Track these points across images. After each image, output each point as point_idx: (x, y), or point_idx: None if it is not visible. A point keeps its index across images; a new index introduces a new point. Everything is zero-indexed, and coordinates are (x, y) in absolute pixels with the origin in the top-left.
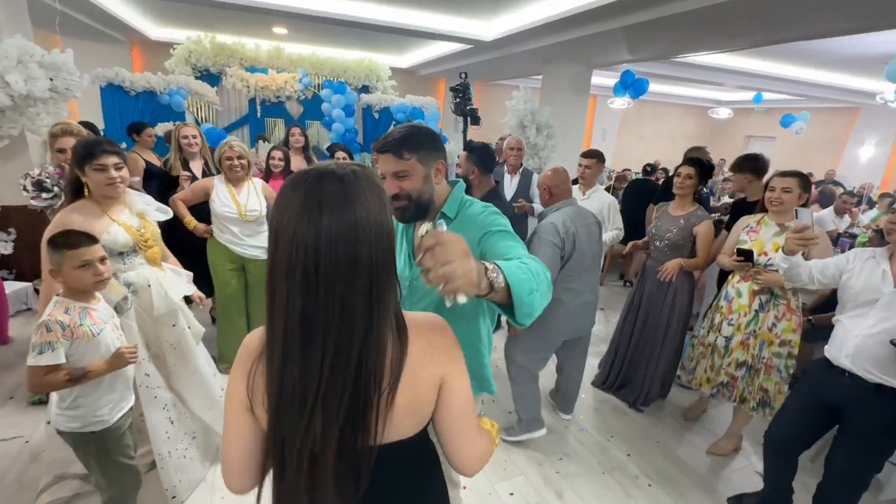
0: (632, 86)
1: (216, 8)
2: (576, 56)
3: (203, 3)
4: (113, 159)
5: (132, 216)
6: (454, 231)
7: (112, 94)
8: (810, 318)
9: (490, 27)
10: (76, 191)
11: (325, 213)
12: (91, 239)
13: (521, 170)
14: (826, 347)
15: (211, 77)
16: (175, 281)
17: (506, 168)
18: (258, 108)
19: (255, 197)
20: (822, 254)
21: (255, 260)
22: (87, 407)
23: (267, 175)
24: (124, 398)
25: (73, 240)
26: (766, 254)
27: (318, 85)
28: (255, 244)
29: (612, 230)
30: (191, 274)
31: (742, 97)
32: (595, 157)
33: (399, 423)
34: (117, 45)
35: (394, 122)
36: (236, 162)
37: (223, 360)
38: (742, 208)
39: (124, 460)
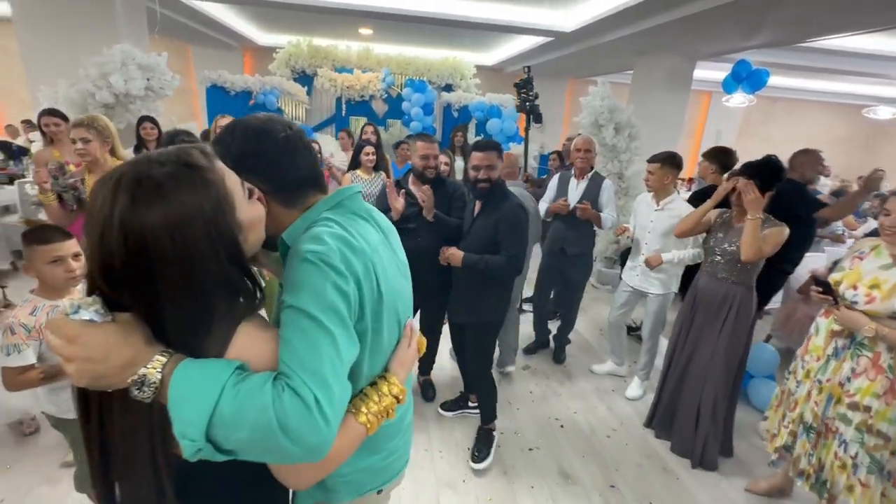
0: (747, 79)
1: (307, 12)
2: (674, 45)
3: (294, 7)
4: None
5: None
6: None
7: (215, 93)
8: None
9: (568, 17)
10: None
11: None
12: (65, 234)
13: (590, 174)
14: None
15: (306, 78)
16: None
17: (573, 171)
18: (343, 106)
19: None
20: None
21: None
22: (61, 397)
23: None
24: None
25: (45, 235)
26: (856, 287)
27: (401, 84)
28: None
29: (692, 249)
30: None
31: None
32: (660, 160)
33: None
34: (232, 51)
35: (473, 120)
36: None
37: None
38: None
39: None
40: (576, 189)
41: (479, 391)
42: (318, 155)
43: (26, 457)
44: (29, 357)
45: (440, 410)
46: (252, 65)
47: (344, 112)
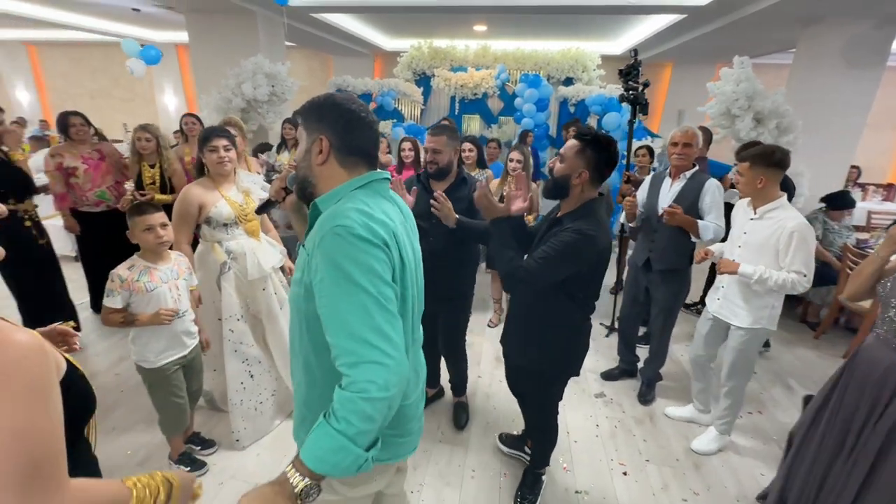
0: None
1: (424, 13)
2: (861, 5)
3: (411, 10)
4: (223, 142)
5: (238, 193)
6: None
7: None
8: None
9: None
10: (200, 169)
11: None
12: (155, 208)
13: (690, 173)
14: None
15: (425, 79)
16: (269, 251)
17: (668, 171)
18: (457, 105)
19: None
20: None
21: None
22: (138, 347)
23: (400, 166)
24: (172, 348)
25: (141, 209)
26: None
27: (516, 80)
28: None
29: (790, 272)
30: (284, 249)
31: None
32: (750, 158)
33: None
34: (364, 58)
35: (590, 115)
36: None
37: None
38: None
39: (170, 397)
40: (669, 191)
41: (534, 438)
42: (388, 145)
43: (128, 398)
44: (117, 302)
45: (498, 443)
46: (381, 69)
47: (457, 111)
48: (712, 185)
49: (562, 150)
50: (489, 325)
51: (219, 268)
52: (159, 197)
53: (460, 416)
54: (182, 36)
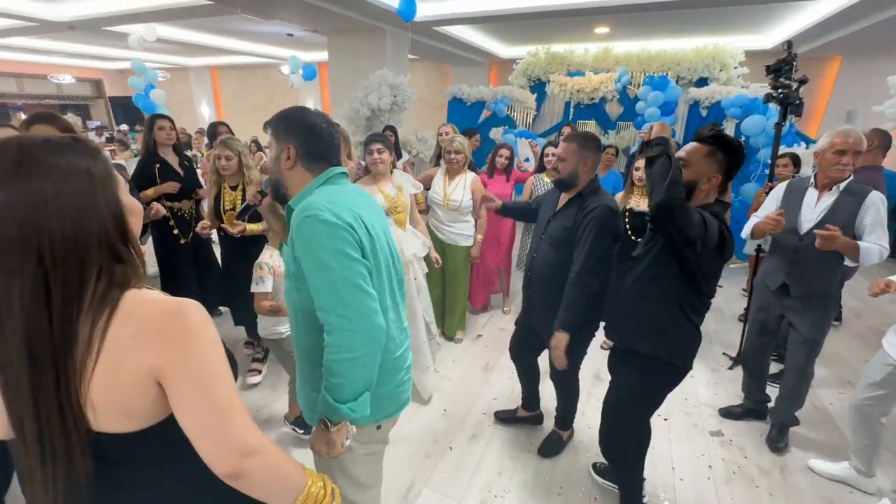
0: None
1: (543, 19)
2: None
3: (530, 16)
4: (378, 146)
5: (393, 188)
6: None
7: (455, 105)
8: None
9: None
10: (367, 169)
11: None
12: None
13: (844, 184)
14: None
15: (540, 85)
16: (412, 240)
17: (811, 180)
18: (571, 110)
19: (461, 189)
20: None
21: (453, 245)
22: (269, 323)
23: (491, 171)
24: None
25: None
26: None
27: (639, 83)
28: (455, 230)
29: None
30: (428, 241)
31: None
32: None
33: (104, 415)
34: (480, 67)
35: (725, 120)
36: (454, 156)
37: None
38: None
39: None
40: (815, 206)
41: (616, 470)
42: (348, 148)
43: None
44: (268, 286)
45: (593, 473)
46: (497, 77)
47: (571, 116)
48: (875, 199)
49: (685, 153)
50: (503, 312)
51: None
52: (251, 227)
53: (547, 448)
54: (322, 55)
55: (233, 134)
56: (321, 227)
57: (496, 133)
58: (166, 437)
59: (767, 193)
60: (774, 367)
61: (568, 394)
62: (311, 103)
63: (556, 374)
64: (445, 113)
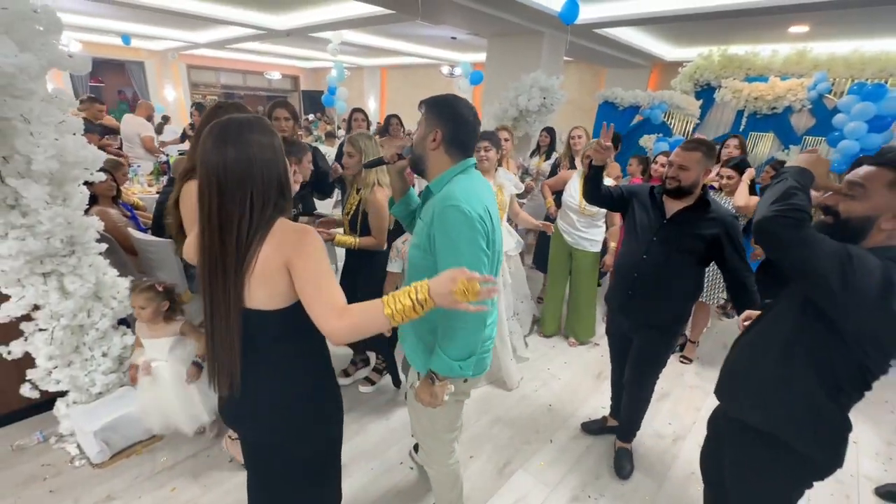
0: None
1: (725, 19)
2: None
3: (711, 16)
4: (485, 144)
5: (494, 186)
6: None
7: (605, 108)
8: None
9: None
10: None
11: (230, 146)
12: None
13: None
14: None
15: (708, 91)
16: (505, 237)
17: None
18: (744, 120)
19: None
20: None
21: (579, 249)
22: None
23: (647, 178)
24: None
25: None
26: None
27: (842, 91)
28: (585, 236)
29: None
30: (521, 240)
31: None
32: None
33: (256, 292)
34: (640, 69)
35: None
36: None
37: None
38: None
39: None
40: None
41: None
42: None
43: None
44: (397, 267)
45: None
46: (657, 81)
47: (742, 126)
48: None
49: (860, 179)
50: (682, 361)
51: None
52: (340, 238)
53: (622, 465)
54: (477, 56)
55: (402, 125)
56: (461, 217)
57: (647, 140)
58: (290, 318)
59: None
60: None
61: (639, 403)
62: None
63: (634, 381)
64: (594, 116)
